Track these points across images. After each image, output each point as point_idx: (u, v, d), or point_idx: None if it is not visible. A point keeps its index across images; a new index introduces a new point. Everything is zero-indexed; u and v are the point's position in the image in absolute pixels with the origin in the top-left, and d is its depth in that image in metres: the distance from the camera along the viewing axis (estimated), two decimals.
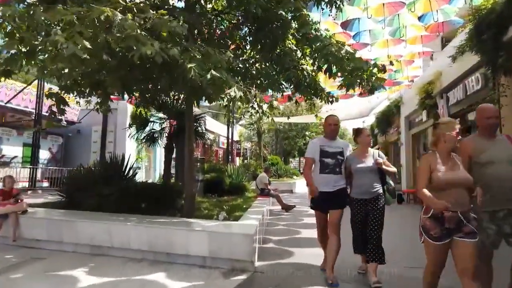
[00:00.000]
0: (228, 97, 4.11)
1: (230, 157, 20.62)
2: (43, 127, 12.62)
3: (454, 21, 8.41)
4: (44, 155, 15.06)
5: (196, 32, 5.39)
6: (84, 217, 5.10)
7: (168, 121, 9.06)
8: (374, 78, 5.45)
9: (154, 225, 4.63)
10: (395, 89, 14.03)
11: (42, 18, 3.37)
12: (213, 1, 6.21)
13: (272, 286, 3.71)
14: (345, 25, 8.31)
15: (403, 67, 11.11)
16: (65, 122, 13.08)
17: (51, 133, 15.54)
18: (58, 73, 4.24)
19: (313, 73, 6.33)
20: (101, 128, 13.91)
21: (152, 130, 9.15)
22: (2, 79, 4.25)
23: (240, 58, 6.13)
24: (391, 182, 3.97)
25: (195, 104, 6.14)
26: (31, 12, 3.40)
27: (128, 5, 3.75)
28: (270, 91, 7.00)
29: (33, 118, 12.99)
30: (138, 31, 3.41)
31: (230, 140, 20.73)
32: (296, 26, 5.59)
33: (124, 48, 3.66)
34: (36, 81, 12.88)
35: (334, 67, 5.36)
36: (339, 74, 5.52)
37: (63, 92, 5.41)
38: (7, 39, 3.72)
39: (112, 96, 6.34)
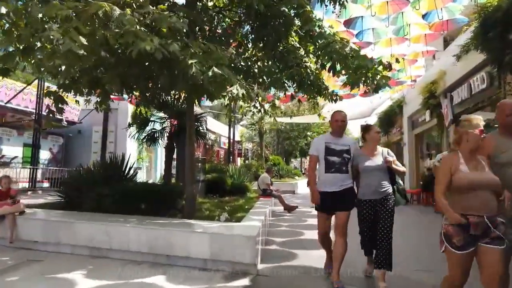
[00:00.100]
0: (230, 95, 3.99)
1: (231, 157, 20.53)
2: (44, 127, 12.57)
3: (458, 20, 8.30)
4: (44, 155, 15.03)
5: (197, 29, 5.29)
6: (83, 218, 5.00)
7: (168, 120, 8.97)
8: (379, 76, 5.33)
9: (154, 227, 4.53)
10: (397, 89, 13.93)
11: (39, 14, 3.28)
12: None
13: None
14: (348, 23, 8.21)
15: (406, 67, 11.02)
16: (65, 123, 13.06)
17: (52, 133, 15.51)
18: (55, 70, 4.14)
19: (317, 71, 6.22)
20: (101, 129, 13.84)
21: (153, 130, 9.07)
22: (0, 78, 4.17)
23: (242, 56, 6.03)
24: (401, 182, 3.79)
25: (196, 103, 6.04)
26: (29, 10, 3.32)
27: (127, 0, 3.66)
28: (272, 89, 6.90)
29: (34, 118, 12.94)
30: (137, 27, 3.31)
31: (231, 140, 20.64)
32: (300, 23, 5.48)
33: (123, 45, 3.56)
34: (36, 81, 12.83)
35: (338, 65, 5.24)
36: (343, 72, 5.41)
37: (61, 90, 5.31)
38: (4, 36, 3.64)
39: (112, 96, 6.25)
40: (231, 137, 20.52)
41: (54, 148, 15.98)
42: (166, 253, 4.33)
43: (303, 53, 6.16)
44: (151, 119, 9.15)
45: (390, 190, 3.68)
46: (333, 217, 3.83)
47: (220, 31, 6.20)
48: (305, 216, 8.86)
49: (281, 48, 5.85)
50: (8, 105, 12.44)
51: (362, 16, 8.06)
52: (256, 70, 6.01)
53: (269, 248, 5.40)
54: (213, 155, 24.51)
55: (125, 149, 14.03)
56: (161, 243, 4.34)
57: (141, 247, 4.42)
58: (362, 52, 5.46)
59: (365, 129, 3.90)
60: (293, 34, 5.88)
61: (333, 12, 6.69)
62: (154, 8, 3.64)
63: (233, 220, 5.20)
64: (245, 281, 3.78)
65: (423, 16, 7.99)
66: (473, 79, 9.20)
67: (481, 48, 7.54)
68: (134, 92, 5.95)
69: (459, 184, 2.48)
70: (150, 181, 10.41)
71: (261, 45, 5.82)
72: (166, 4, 4.55)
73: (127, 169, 7.17)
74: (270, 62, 5.91)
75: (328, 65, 5.45)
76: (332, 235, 3.92)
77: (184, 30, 3.80)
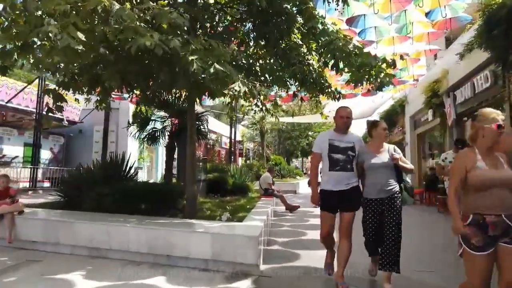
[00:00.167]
0: (232, 92, 3.91)
1: (232, 157, 20.46)
2: (44, 127, 12.52)
3: (462, 18, 8.21)
4: (45, 155, 14.99)
5: (198, 26, 5.22)
6: (82, 218, 4.93)
7: (169, 119, 8.91)
8: (382, 74, 5.25)
9: (154, 227, 4.46)
10: (399, 88, 13.83)
11: (38, 12, 3.22)
12: None
13: None
14: (350, 21, 8.12)
15: (408, 65, 10.92)
16: (66, 122, 13.01)
17: (53, 133, 15.47)
18: (53, 68, 4.08)
19: (320, 69, 6.14)
20: (103, 128, 13.79)
21: (154, 129, 9.01)
22: None
23: (244, 54, 5.96)
24: (409, 180, 3.66)
25: (198, 101, 5.97)
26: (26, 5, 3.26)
27: None
28: (275, 87, 6.82)
29: (34, 117, 12.89)
30: (137, 22, 3.25)
31: (232, 140, 20.58)
32: (302, 20, 5.40)
33: (122, 41, 3.49)
34: (37, 81, 12.79)
35: (341, 62, 5.16)
36: (346, 69, 5.33)
37: (60, 88, 5.24)
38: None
39: (113, 96, 6.19)
40: (233, 136, 20.46)
41: (55, 147, 15.94)
42: (166, 253, 4.26)
43: (305, 50, 6.08)
44: (152, 118, 9.08)
45: (397, 188, 3.55)
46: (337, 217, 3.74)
47: (221, 28, 6.12)
48: (307, 216, 8.79)
49: (283, 45, 5.76)
50: (8, 104, 12.40)
51: (364, 14, 7.98)
52: (258, 68, 5.93)
53: (271, 248, 5.33)
54: (214, 155, 24.44)
55: (126, 148, 13.99)
56: (161, 243, 4.27)
57: (141, 247, 4.35)
58: (365, 50, 5.38)
59: (372, 125, 3.75)
60: (296, 31, 5.79)
61: (336, 9, 6.59)
62: (154, 4, 3.57)
63: (235, 220, 5.12)
64: (247, 282, 3.71)
65: (426, 14, 7.90)
66: (476, 78, 9.11)
67: (485, 46, 7.44)
68: (134, 90, 5.88)
69: (476, 182, 2.34)
70: (151, 181, 10.35)
71: (263, 42, 5.75)
72: (166, 1, 4.48)
73: (128, 169, 7.11)
74: (272, 60, 5.83)
75: (331, 63, 5.38)
76: (335, 235, 3.83)
77: (185, 27, 3.74)
